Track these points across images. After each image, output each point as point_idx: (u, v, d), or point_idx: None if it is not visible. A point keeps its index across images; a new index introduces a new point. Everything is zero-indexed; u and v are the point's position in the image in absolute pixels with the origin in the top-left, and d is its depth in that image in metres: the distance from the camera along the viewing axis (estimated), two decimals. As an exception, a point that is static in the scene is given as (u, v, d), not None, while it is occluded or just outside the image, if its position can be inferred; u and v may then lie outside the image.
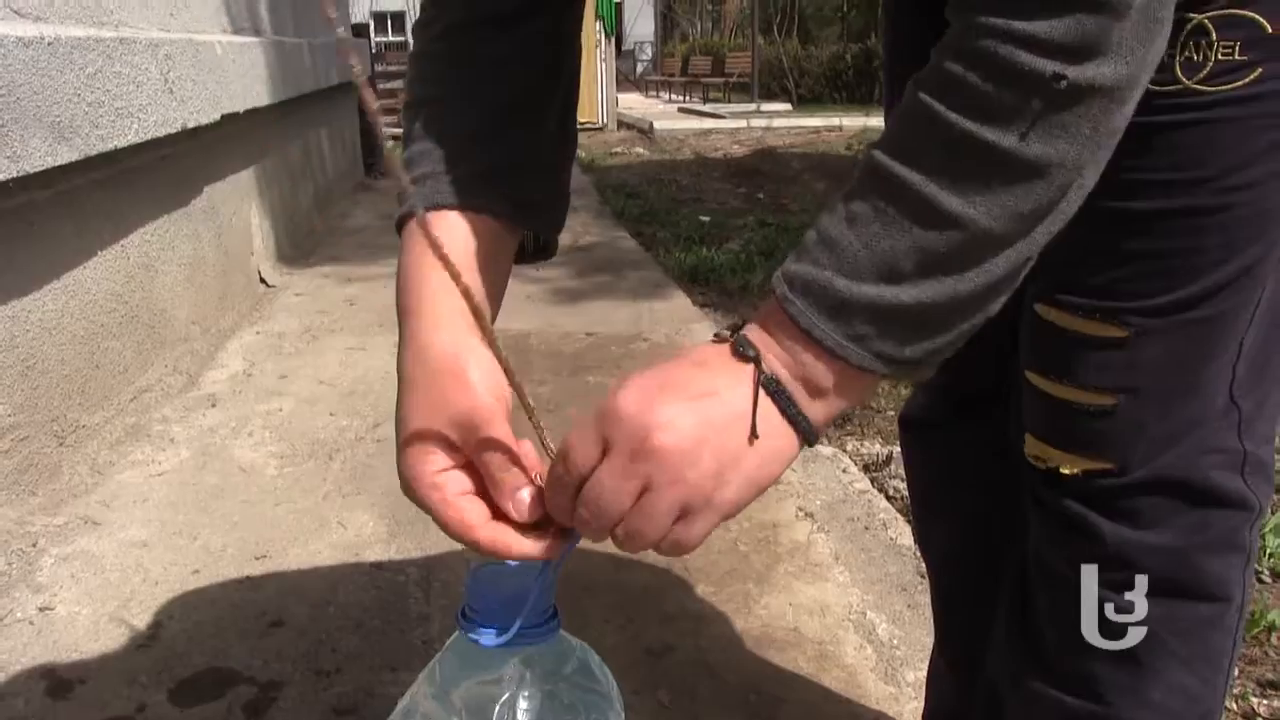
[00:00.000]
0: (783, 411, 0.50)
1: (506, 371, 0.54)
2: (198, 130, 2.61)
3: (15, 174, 1.66)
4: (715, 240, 4.36)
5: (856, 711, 1.25)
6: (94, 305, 2.08)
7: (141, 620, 1.44)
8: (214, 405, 2.32)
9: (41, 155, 1.74)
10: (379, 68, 9.68)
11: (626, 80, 21.27)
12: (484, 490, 0.55)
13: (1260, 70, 0.58)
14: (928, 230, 0.47)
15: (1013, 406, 0.75)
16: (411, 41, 0.71)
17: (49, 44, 1.80)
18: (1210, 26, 0.57)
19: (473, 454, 0.54)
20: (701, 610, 1.47)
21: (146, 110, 2.23)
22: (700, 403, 0.49)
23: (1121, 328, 0.63)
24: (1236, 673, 1.35)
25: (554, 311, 3.16)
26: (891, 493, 1.90)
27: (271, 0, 3.86)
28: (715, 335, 0.52)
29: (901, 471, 1.71)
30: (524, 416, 0.55)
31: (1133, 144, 0.60)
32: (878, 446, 2.15)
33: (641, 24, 27.01)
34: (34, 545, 1.65)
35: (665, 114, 13.55)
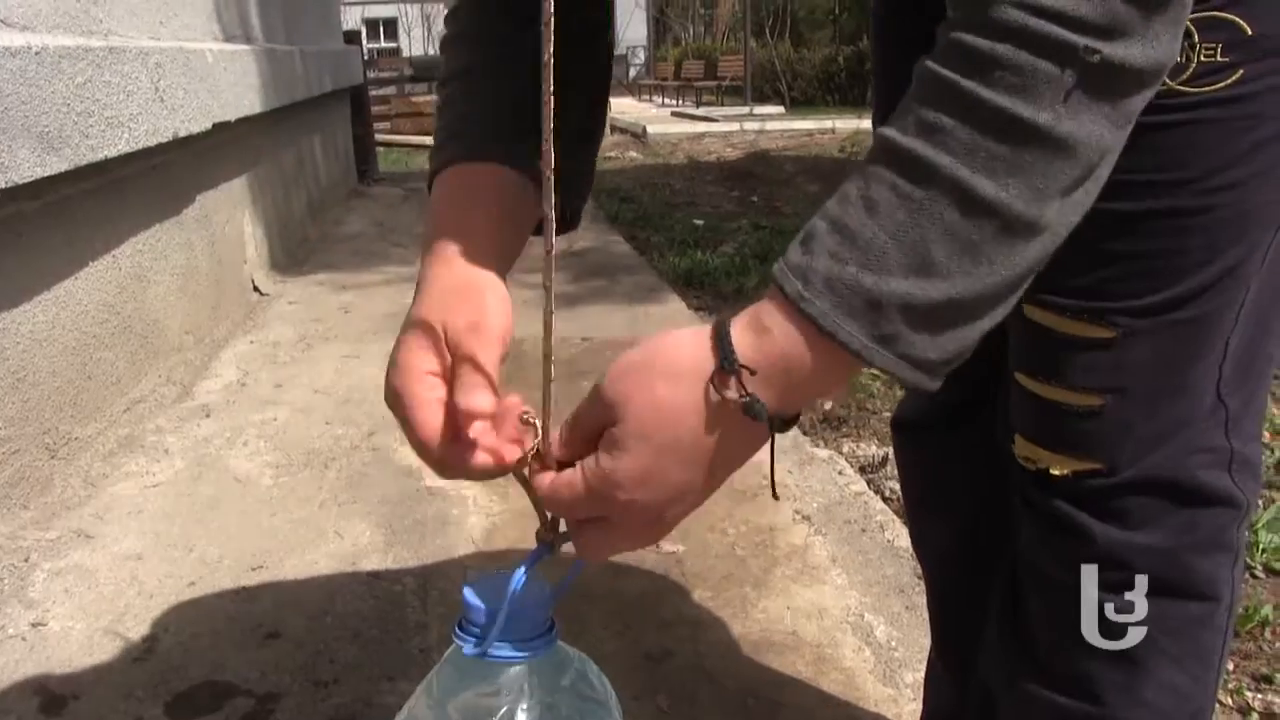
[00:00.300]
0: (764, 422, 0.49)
1: (547, 325, 0.55)
2: (189, 139, 2.61)
3: (4, 185, 1.65)
4: (709, 244, 4.36)
5: (855, 714, 1.25)
6: (85, 316, 2.07)
7: (136, 634, 1.44)
8: (208, 415, 2.32)
9: (30, 166, 1.74)
10: (371, 74, 9.68)
11: (619, 84, 21.29)
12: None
13: (1241, 72, 0.58)
14: (962, 218, 0.45)
15: (1001, 408, 0.75)
16: (444, 28, 0.74)
17: (37, 53, 1.79)
18: (1193, 28, 0.57)
19: (454, 356, 0.56)
20: (699, 615, 1.46)
21: (137, 119, 2.23)
22: (697, 449, 0.49)
23: (1109, 328, 0.63)
24: (1231, 667, 1.35)
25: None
26: (888, 494, 1.90)
27: (263, 8, 3.86)
28: (711, 383, 0.48)
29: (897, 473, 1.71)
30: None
31: None
32: (873, 448, 2.15)
33: (634, 28, 27.05)
34: (26, 560, 1.64)
35: (658, 118, 13.56)
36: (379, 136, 8.04)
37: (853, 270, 0.45)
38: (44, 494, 1.84)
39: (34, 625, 1.46)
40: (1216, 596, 0.68)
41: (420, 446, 0.55)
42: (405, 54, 22.54)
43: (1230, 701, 1.30)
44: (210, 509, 1.84)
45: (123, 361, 2.23)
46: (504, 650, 0.55)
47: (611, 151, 9.01)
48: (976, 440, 0.86)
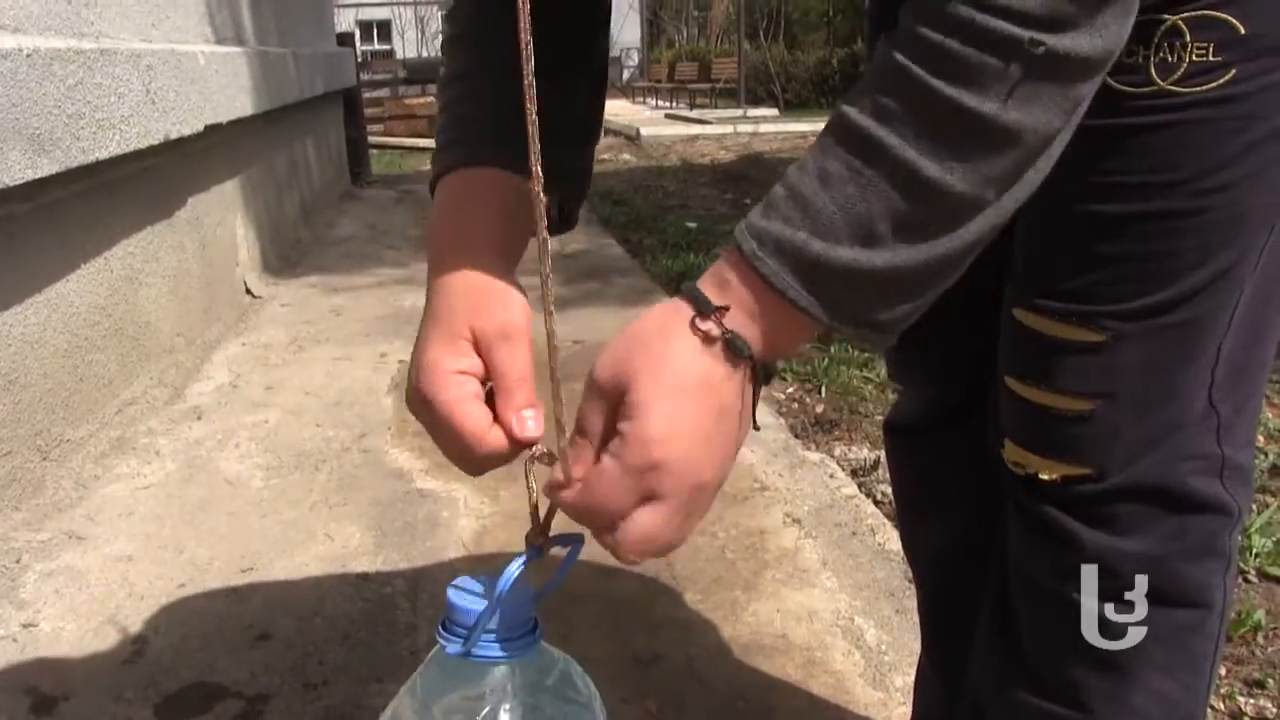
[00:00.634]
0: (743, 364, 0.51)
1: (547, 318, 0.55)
2: (181, 141, 2.60)
3: (-5, 187, 1.65)
4: (702, 246, 4.36)
5: (845, 717, 1.25)
6: (77, 318, 2.07)
7: (127, 635, 1.43)
8: (199, 417, 2.31)
9: (21, 168, 1.73)
10: (365, 76, 9.67)
11: (613, 87, 21.30)
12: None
13: (1234, 72, 0.58)
14: (905, 196, 0.47)
15: (991, 412, 0.75)
16: (443, 28, 0.75)
17: (27, 55, 1.79)
18: (1184, 28, 0.57)
19: (490, 363, 0.56)
20: (689, 618, 1.46)
21: (128, 121, 2.22)
22: (702, 391, 0.50)
23: (1098, 332, 0.63)
24: (1224, 672, 1.35)
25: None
26: (879, 497, 1.90)
27: (255, 10, 3.85)
28: (692, 323, 0.51)
29: (888, 476, 1.71)
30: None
31: (1107, 146, 0.60)
32: (865, 451, 2.16)
33: (628, 30, 27.06)
34: (17, 561, 1.64)
35: (652, 120, 13.58)
36: (372, 139, 8.03)
37: (803, 236, 0.49)
38: (35, 495, 1.83)
39: (25, 626, 1.46)
40: (1207, 604, 0.68)
41: (464, 446, 0.55)
42: (399, 56, 22.51)
43: (1223, 707, 1.30)
44: (201, 511, 1.84)
45: (114, 363, 2.23)
46: (488, 650, 0.55)
47: (605, 154, 9.01)
48: (969, 444, 0.86)
